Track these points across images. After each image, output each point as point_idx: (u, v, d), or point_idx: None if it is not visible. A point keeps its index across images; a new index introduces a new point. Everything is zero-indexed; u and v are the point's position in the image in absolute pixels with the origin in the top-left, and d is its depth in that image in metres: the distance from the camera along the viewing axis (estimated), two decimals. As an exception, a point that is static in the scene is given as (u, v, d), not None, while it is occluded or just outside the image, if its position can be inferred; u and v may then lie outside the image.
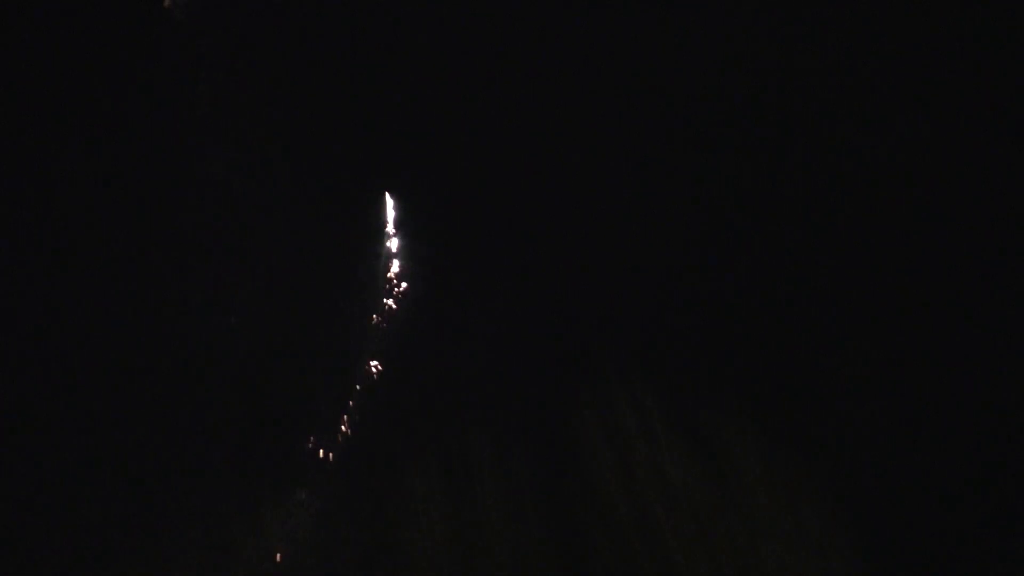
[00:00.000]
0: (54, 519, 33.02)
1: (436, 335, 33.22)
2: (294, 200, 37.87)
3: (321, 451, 34.06)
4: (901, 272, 26.68)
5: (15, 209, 35.00)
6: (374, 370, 35.14)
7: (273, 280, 37.64)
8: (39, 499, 32.27)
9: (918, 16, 31.59)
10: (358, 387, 35.22)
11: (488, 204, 33.88)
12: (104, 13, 37.93)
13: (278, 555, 30.93)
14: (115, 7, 38.68)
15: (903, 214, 26.89)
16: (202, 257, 37.40)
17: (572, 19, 39.36)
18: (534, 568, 28.88)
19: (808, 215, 28.10)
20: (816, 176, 29.15)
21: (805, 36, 34.29)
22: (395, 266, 38.38)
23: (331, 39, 41.02)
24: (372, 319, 37.25)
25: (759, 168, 29.48)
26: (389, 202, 40.05)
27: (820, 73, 33.90)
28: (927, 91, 32.14)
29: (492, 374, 29.87)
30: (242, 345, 35.22)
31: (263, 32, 40.61)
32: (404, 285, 36.69)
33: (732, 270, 28.39)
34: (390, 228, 38.92)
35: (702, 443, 28.91)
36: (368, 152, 40.08)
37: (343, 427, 34.52)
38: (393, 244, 38.76)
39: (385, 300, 37.12)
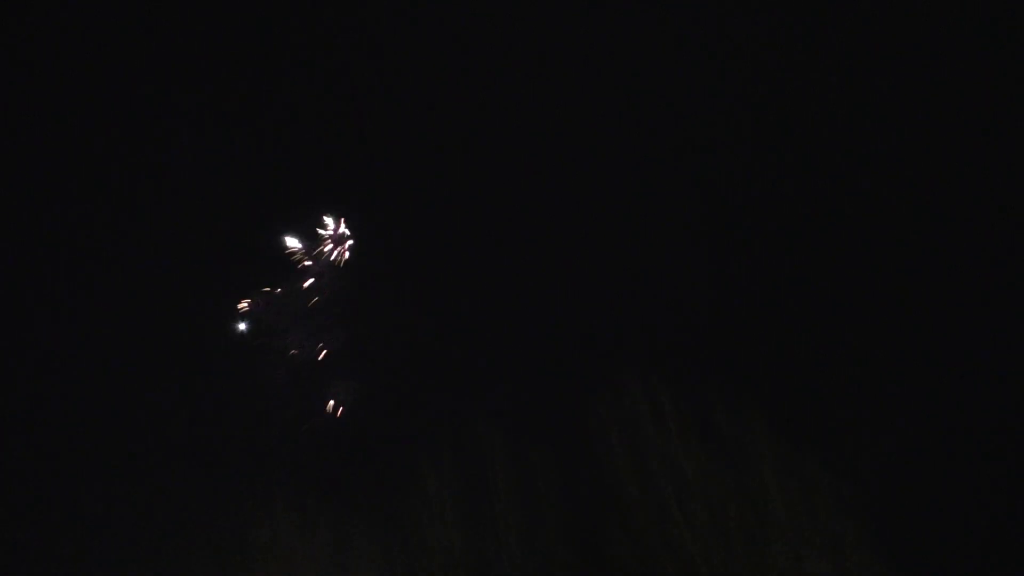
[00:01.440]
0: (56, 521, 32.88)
1: (449, 330, 33.35)
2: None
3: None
4: (912, 270, 27.01)
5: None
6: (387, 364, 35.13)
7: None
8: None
9: (918, 16, 31.96)
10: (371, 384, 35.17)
11: (500, 202, 33.98)
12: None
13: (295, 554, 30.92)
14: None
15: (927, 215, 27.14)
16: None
17: (571, 20, 39.47)
18: (549, 559, 29.03)
19: (824, 211, 28.39)
20: (824, 176, 29.41)
21: (805, 36, 34.59)
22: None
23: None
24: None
25: (770, 166, 29.72)
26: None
27: (820, 73, 34.20)
28: (927, 91, 32.52)
29: (505, 368, 30.11)
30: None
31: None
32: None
33: (744, 265, 28.68)
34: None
35: (714, 435, 29.20)
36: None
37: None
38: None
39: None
